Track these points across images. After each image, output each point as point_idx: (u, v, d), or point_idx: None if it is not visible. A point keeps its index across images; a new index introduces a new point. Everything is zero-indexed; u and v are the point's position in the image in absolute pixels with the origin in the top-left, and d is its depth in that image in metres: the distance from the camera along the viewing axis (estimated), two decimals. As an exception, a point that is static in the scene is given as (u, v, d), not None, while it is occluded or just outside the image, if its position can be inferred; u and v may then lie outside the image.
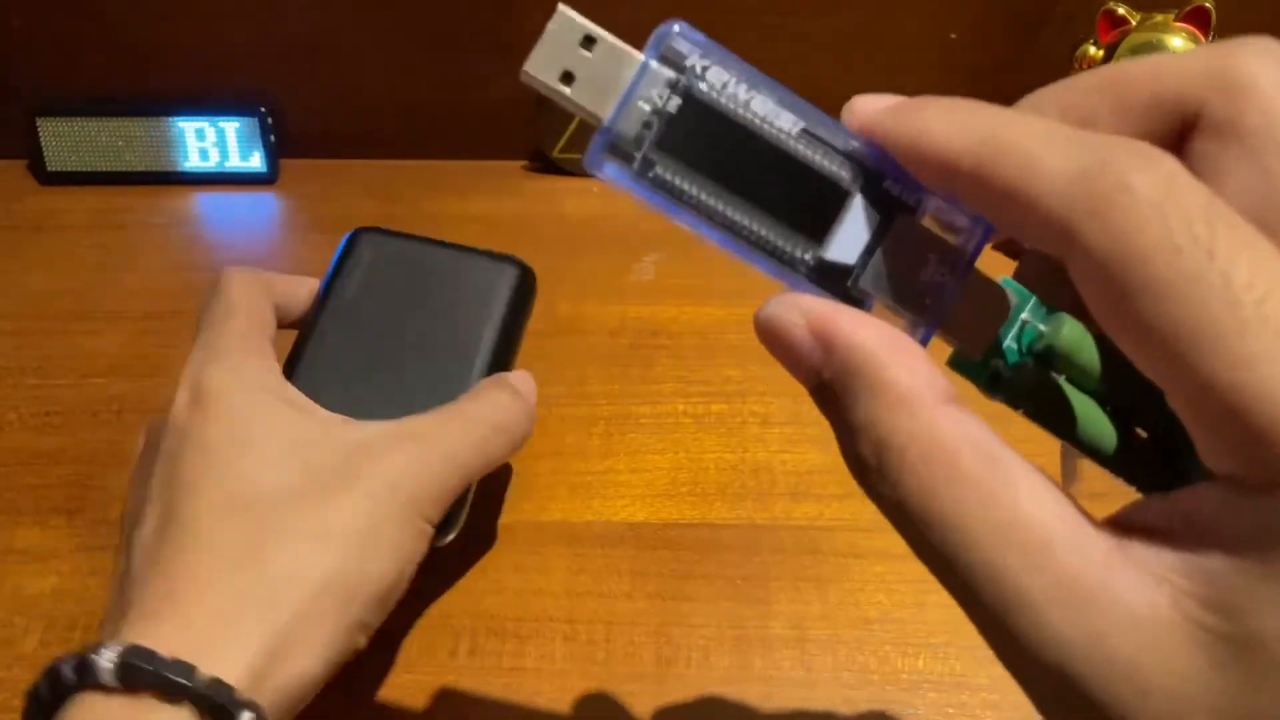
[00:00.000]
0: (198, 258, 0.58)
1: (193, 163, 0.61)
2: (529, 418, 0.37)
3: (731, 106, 0.19)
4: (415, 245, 0.41)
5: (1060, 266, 0.16)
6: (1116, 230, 0.15)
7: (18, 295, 0.54)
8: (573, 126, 0.59)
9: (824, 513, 0.43)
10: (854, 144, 0.19)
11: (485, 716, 0.37)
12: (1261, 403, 0.14)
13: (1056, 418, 0.20)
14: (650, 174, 0.18)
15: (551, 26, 0.19)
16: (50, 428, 0.47)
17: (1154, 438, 0.20)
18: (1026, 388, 0.20)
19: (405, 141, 0.62)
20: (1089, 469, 0.21)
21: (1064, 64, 0.49)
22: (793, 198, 0.19)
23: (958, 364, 0.20)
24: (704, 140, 0.19)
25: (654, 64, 0.19)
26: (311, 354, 0.37)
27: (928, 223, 0.19)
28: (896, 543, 0.17)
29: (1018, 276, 0.21)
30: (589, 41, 0.19)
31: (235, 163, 0.61)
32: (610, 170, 0.19)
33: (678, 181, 0.19)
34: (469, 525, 0.37)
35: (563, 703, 0.37)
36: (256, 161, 0.61)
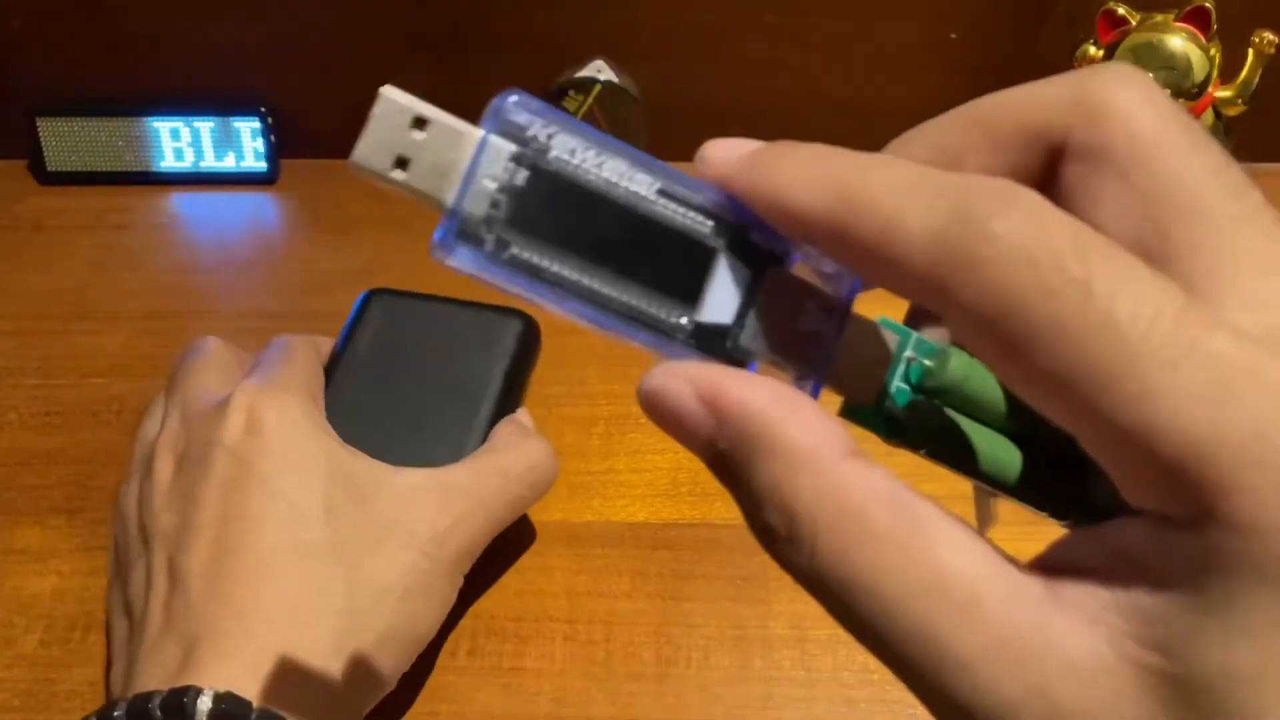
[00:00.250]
0: (198, 258, 0.58)
1: (193, 163, 0.61)
2: (555, 471, 0.39)
3: (583, 174, 0.17)
4: (425, 304, 0.44)
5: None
6: (987, 284, 0.14)
7: (18, 295, 0.54)
8: (573, 126, 0.59)
9: (824, 513, 0.43)
10: (713, 197, 0.18)
11: (485, 716, 0.37)
12: (1167, 438, 0.13)
13: (959, 454, 0.19)
14: (506, 255, 0.17)
15: (377, 111, 0.18)
16: (50, 428, 0.47)
17: (1061, 460, 0.19)
18: (925, 427, 0.19)
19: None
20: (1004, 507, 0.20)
21: (1064, 64, 0.49)
22: (659, 262, 0.18)
23: (851, 413, 0.19)
24: (559, 213, 0.17)
25: (495, 138, 0.17)
26: (331, 404, 0.39)
27: (799, 271, 0.18)
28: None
29: (912, 313, 0.20)
30: (420, 122, 0.18)
31: (235, 163, 0.61)
32: (462, 256, 0.17)
33: (537, 260, 0.17)
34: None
35: (563, 703, 0.37)
36: (256, 161, 0.61)
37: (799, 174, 0.17)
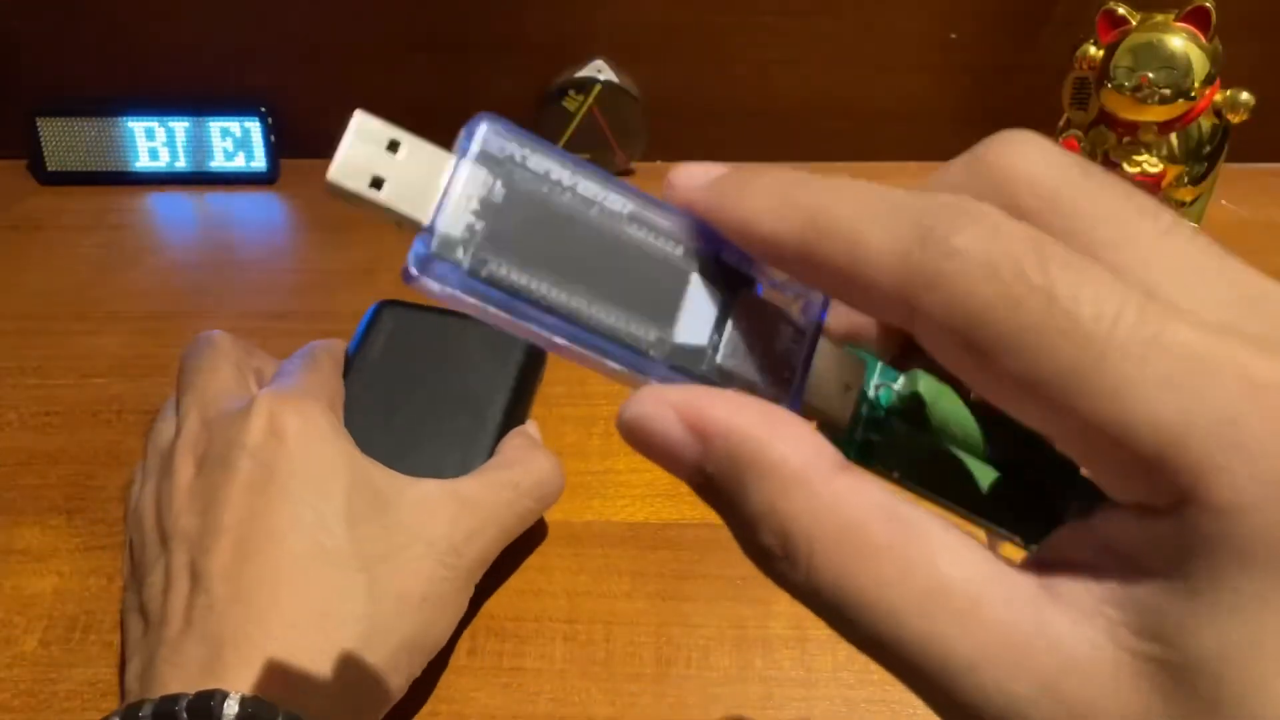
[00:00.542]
0: (198, 257, 0.58)
1: (193, 163, 0.61)
2: (562, 485, 0.40)
3: (557, 196, 0.17)
4: (435, 316, 0.44)
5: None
6: (953, 298, 0.15)
7: (18, 295, 0.54)
8: (573, 126, 0.59)
9: (824, 513, 0.43)
10: (684, 221, 0.18)
11: (485, 716, 0.37)
12: (1141, 430, 0.14)
13: (931, 478, 0.19)
14: (484, 273, 0.17)
15: (350, 134, 0.17)
16: (50, 428, 0.47)
17: (1035, 485, 0.19)
18: (896, 451, 0.19)
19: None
20: None
21: (1064, 64, 0.49)
22: (633, 284, 0.18)
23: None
24: (534, 233, 0.17)
25: (469, 161, 0.17)
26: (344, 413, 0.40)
27: (769, 294, 0.18)
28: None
29: (882, 337, 0.20)
30: (395, 145, 0.17)
31: (235, 163, 0.61)
32: (439, 274, 0.17)
33: (514, 278, 0.17)
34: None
35: (563, 703, 0.37)
36: (257, 161, 0.61)
37: (765, 201, 0.17)
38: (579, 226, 0.18)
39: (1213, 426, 0.14)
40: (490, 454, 0.40)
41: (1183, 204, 0.49)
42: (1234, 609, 0.14)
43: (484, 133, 0.17)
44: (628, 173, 0.61)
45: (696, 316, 0.18)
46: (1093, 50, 0.47)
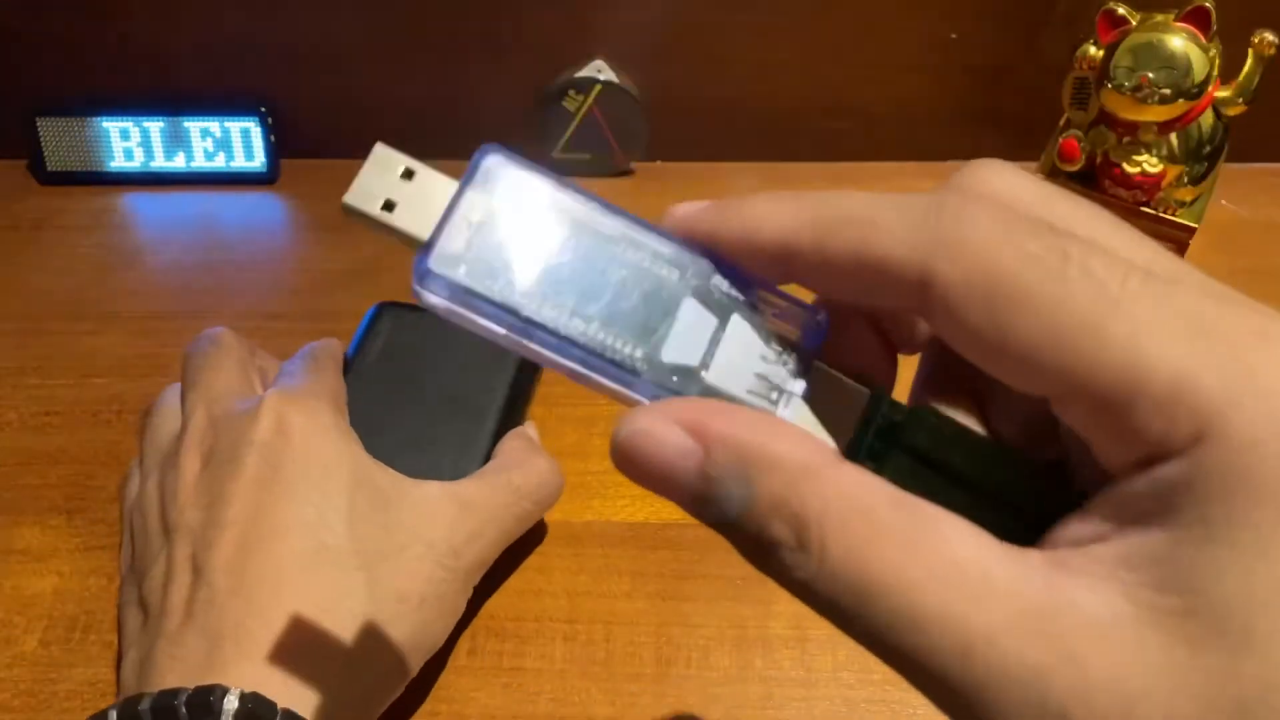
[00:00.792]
0: (197, 258, 0.58)
1: (193, 163, 0.61)
2: (560, 488, 0.40)
3: (555, 218, 0.19)
4: (433, 317, 0.43)
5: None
6: (971, 257, 0.15)
7: (18, 295, 0.54)
8: (573, 126, 0.59)
9: (824, 513, 0.43)
10: (678, 245, 0.19)
11: (485, 716, 0.37)
12: (1157, 369, 0.14)
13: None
14: (479, 290, 0.18)
15: (370, 161, 0.19)
16: (50, 428, 0.47)
17: (1036, 519, 0.19)
18: (896, 482, 0.19)
19: (405, 142, 0.62)
20: None
21: (1064, 64, 0.49)
22: (626, 304, 0.19)
23: None
24: (530, 253, 0.19)
25: (473, 185, 0.19)
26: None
27: (764, 319, 0.19)
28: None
29: (923, 381, 0.21)
30: (409, 173, 0.19)
31: (235, 163, 0.61)
32: (437, 288, 0.18)
33: (507, 295, 0.18)
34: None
35: (563, 703, 0.37)
36: (257, 161, 0.61)
37: (769, 206, 0.18)
38: (574, 249, 0.19)
39: (1226, 366, 0.14)
40: (487, 456, 0.40)
41: (1183, 204, 0.49)
42: (1256, 547, 0.14)
43: (488, 161, 0.19)
44: (628, 173, 0.61)
45: (688, 338, 0.19)
46: (1093, 50, 0.47)
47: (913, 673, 0.15)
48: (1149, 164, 0.48)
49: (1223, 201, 0.56)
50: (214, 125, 0.61)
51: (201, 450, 0.35)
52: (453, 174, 0.20)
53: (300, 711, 0.29)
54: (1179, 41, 0.45)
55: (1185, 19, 0.45)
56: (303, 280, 0.55)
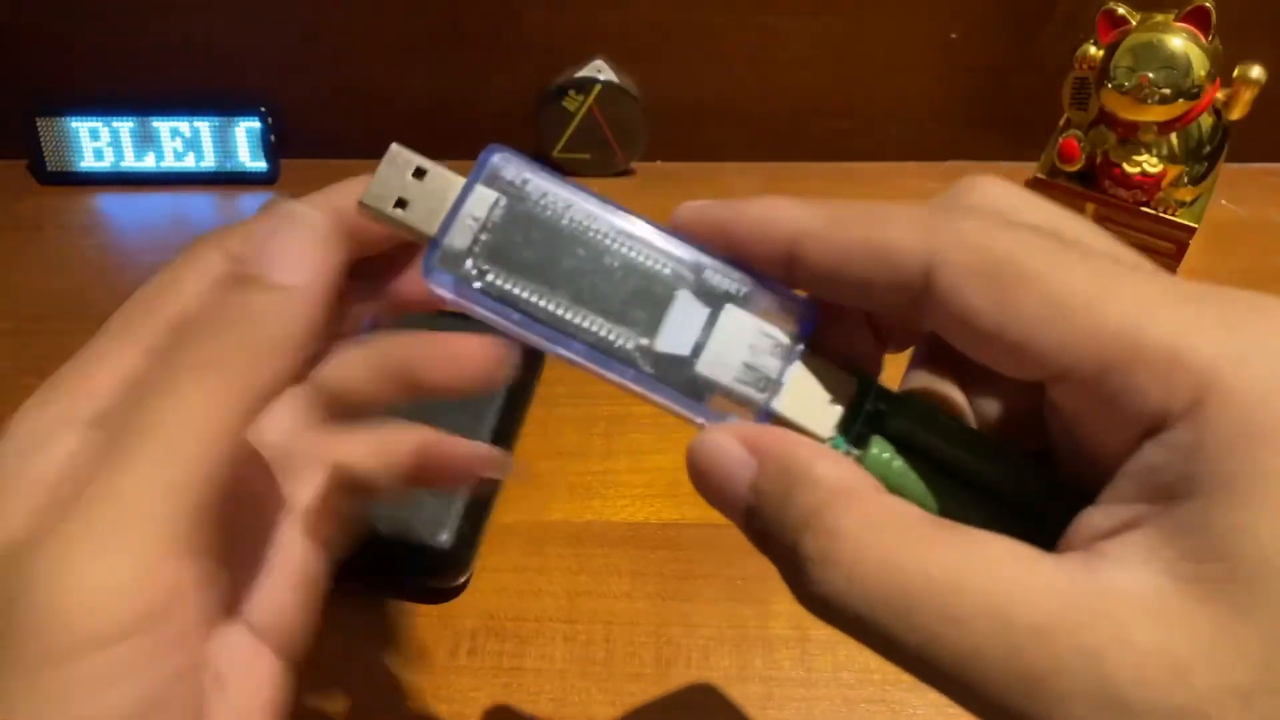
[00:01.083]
0: (198, 258, 0.58)
1: (193, 163, 0.61)
2: None
3: (556, 215, 0.20)
4: (428, 319, 0.44)
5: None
6: (974, 243, 0.17)
7: (18, 295, 0.54)
8: (573, 126, 0.59)
9: (824, 513, 0.43)
10: (674, 240, 0.20)
11: (485, 716, 0.37)
12: (1160, 329, 0.15)
13: (918, 499, 0.19)
14: (484, 282, 0.20)
15: (385, 161, 0.21)
16: (50, 428, 0.47)
17: (1024, 510, 0.19)
18: (883, 470, 0.19)
19: (405, 141, 0.62)
20: None
21: (1064, 64, 0.49)
22: (622, 296, 0.20)
23: None
24: (532, 248, 0.20)
25: (479, 183, 0.20)
26: None
27: (756, 310, 0.20)
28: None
29: (910, 377, 0.21)
30: (420, 172, 0.21)
31: (235, 163, 0.61)
32: (444, 281, 0.20)
33: (509, 287, 0.20)
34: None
35: (563, 703, 0.37)
36: (257, 161, 0.61)
37: (785, 202, 0.19)
38: (574, 243, 0.20)
39: (1219, 328, 0.15)
40: None
41: (1183, 204, 0.49)
42: None
43: (493, 161, 0.20)
44: (628, 173, 0.61)
45: (681, 328, 0.20)
46: (1093, 50, 0.47)
47: (954, 678, 0.15)
48: (1149, 164, 0.48)
49: (1223, 201, 0.56)
50: (213, 125, 0.61)
51: None
52: (458, 174, 0.21)
53: None
54: (1179, 41, 0.45)
55: (1185, 19, 0.45)
56: (303, 280, 0.55)
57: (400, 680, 0.37)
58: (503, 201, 0.20)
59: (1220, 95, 0.46)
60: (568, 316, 0.20)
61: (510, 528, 0.43)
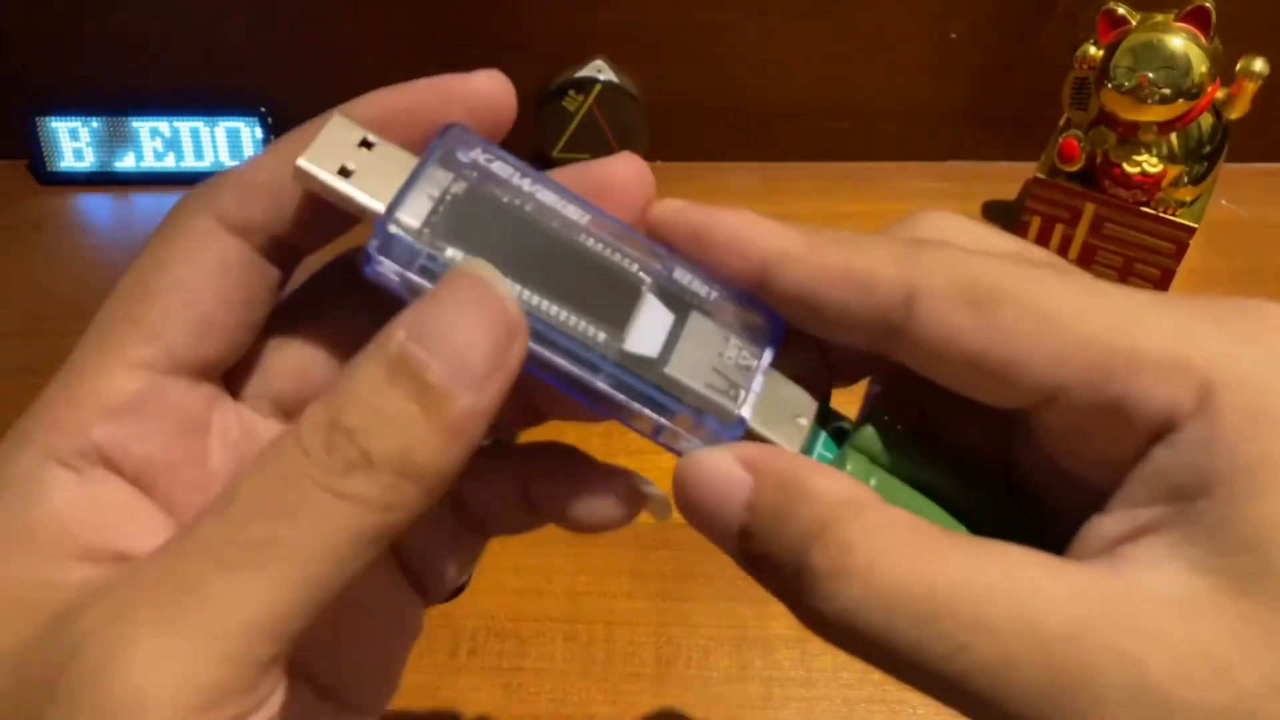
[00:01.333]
0: (198, 258, 0.58)
1: (193, 162, 0.61)
2: None
3: (517, 200, 0.18)
4: None
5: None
6: (950, 269, 0.16)
7: (18, 295, 0.54)
8: (573, 126, 0.59)
9: (824, 513, 0.43)
10: (642, 240, 0.19)
11: (485, 716, 0.37)
12: (1152, 339, 0.15)
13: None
14: (438, 261, 0.17)
15: (326, 130, 0.19)
16: (50, 428, 0.47)
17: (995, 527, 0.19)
18: (872, 486, 0.19)
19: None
20: None
21: (1064, 64, 0.49)
22: (587, 291, 0.18)
23: None
24: (491, 231, 0.18)
25: (434, 160, 0.18)
26: None
27: (724, 319, 0.19)
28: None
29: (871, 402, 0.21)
30: (367, 144, 0.19)
31: (236, 163, 0.61)
32: (395, 258, 0.17)
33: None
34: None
35: (563, 703, 0.37)
36: (256, 161, 0.61)
37: (763, 219, 0.18)
38: (536, 231, 0.18)
39: (1213, 326, 0.15)
40: None
41: (1182, 204, 0.49)
42: None
43: (449, 138, 0.18)
44: (628, 173, 0.61)
45: (648, 329, 0.18)
46: (1093, 50, 0.47)
47: (982, 690, 0.15)
48: (1149, 164, 0.48)
49: (1223, 201, 0.56)
50: (214, 125, 0.61)
51: None
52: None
53: None
54: (1179, 41, 0.45)
55: (1185, 19, 0.45)
56: (303, 279, 0.55)
57: (400, 680, 0.37)
58: (460, 181, 0.18)
59: (1220, 95, 0.46)
60: (533, 303, 0.18)
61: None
